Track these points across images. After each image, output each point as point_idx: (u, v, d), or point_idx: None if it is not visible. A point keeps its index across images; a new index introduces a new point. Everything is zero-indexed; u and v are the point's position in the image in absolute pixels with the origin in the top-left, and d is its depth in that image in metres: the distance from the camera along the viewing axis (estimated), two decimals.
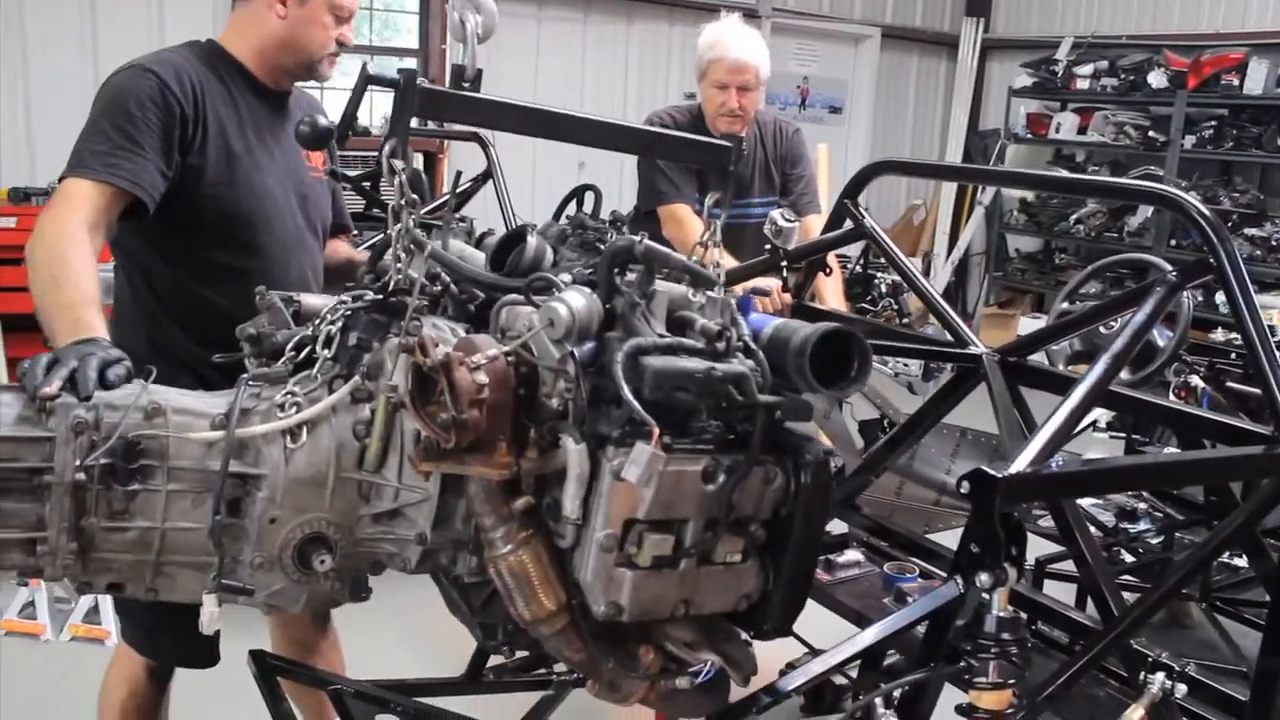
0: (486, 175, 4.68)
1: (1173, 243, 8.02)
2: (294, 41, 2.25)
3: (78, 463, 1.40)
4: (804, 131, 3.95)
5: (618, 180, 8.28)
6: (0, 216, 5.10)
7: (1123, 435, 3.56)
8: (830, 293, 3.32)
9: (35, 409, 1.42)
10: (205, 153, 2.16)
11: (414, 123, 1.58)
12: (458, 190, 4.70)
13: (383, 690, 2.09)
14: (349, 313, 1.61)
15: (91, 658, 3.50)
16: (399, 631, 3.73)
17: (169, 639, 2.33)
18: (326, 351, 1.58)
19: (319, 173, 2.44)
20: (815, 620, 2.27)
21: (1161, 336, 2.83)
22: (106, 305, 1.92)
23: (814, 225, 3.48)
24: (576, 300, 1.41)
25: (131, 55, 2.26)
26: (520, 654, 2.27)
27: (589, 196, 2.25)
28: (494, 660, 2.27)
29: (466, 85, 1.56)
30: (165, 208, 2.11)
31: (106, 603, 3.80)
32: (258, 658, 2.12)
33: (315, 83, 2.39)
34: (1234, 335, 3.87)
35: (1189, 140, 8.25)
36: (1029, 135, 9.43)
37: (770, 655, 1.87)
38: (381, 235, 1.61)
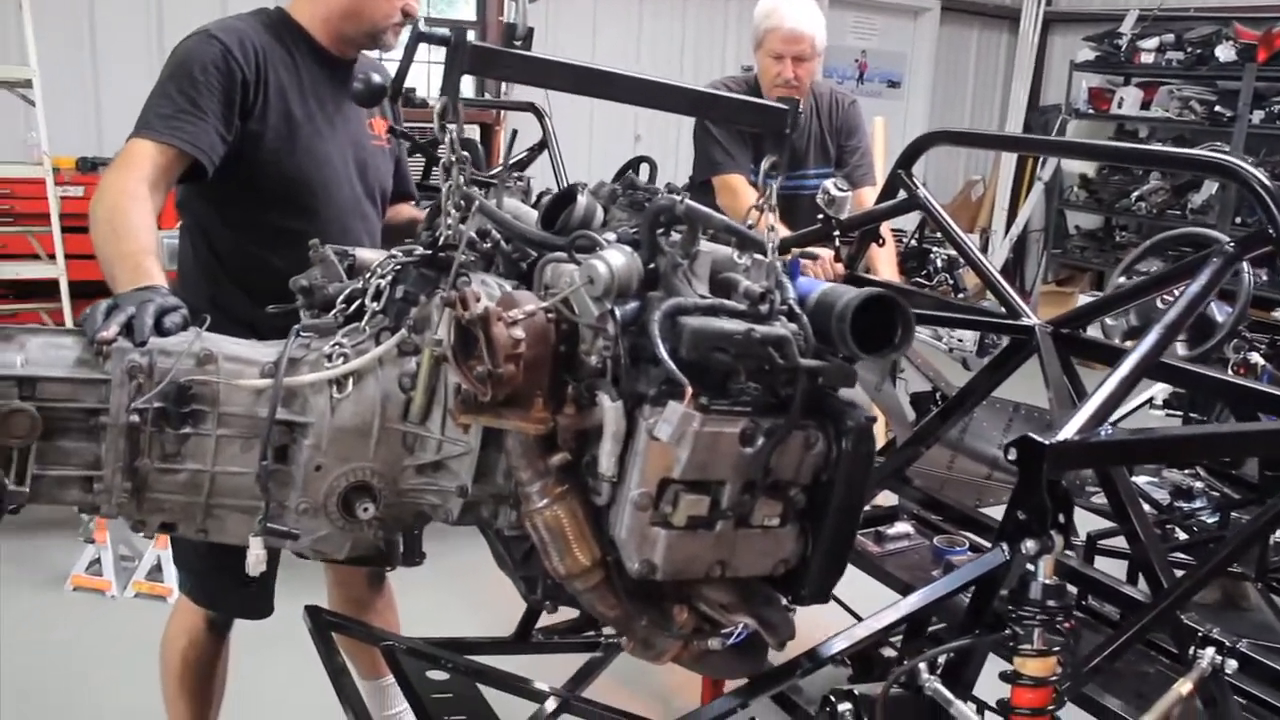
0: (542, 145, 4.71)
1: (1238, 220, 7.86)
2: (359, 10, 2.27)
3: (131, 405, 1.44)
4: (860, 104, 3.92)
5: (674, 153, 8.29)
6: (69, 185, 5.21)
7: (1179, 413, 3.51)
8: (883, 264, 3.31)
9: (93, 352, 1.46)
10: (266, 118, 2.20)
11: (470, 92, 1.59)
12: (512, 156, 4.73)
13: (433, 648, 2.13)
14: (399, 267, 1.62)
15: (154, 614, 3.57)
16: (452, 593, 3.79)
17: (224, 590, 2.40)
18: (375, 304, 1.60)
19: (381, 141, 2.47)
20: (865, 595, 2.29)
21: (1221, 313, 2.79)
22: (170, 270, 1.97)
23: (868, 197, 3.46)
24: (616, 258, 1.41)
25: (196, 25, 2.31)
26: (568, 617, 2.31)
27: (644, 168, 2.26)
28: (543, 621, 2.31)
29: (518, 43, 1.57)
30: (226, 171, 2.15)
31: (168, 561, 3.91)
32: (313, 613, 2.18)
33: (380, 52, 2.42)
34: None
35: (1257, 115, 8.07)
36: (1090, 110, 9.27)
37: (817, 625, 1.88)
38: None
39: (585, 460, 1.46)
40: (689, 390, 1.32)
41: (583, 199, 1.65)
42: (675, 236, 1.50)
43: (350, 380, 1.54)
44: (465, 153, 1.56)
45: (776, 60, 3.58)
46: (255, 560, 1.53)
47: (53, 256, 4.86)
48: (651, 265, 1.46)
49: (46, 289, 5.04)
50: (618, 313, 1.40)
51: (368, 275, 1.66)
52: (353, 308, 1.64)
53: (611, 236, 1.51)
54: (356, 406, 1.54)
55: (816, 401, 1.45)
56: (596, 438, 1.42)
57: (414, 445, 1.58)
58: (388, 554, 2.71)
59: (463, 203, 1.59)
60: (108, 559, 4.01)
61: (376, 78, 1.74)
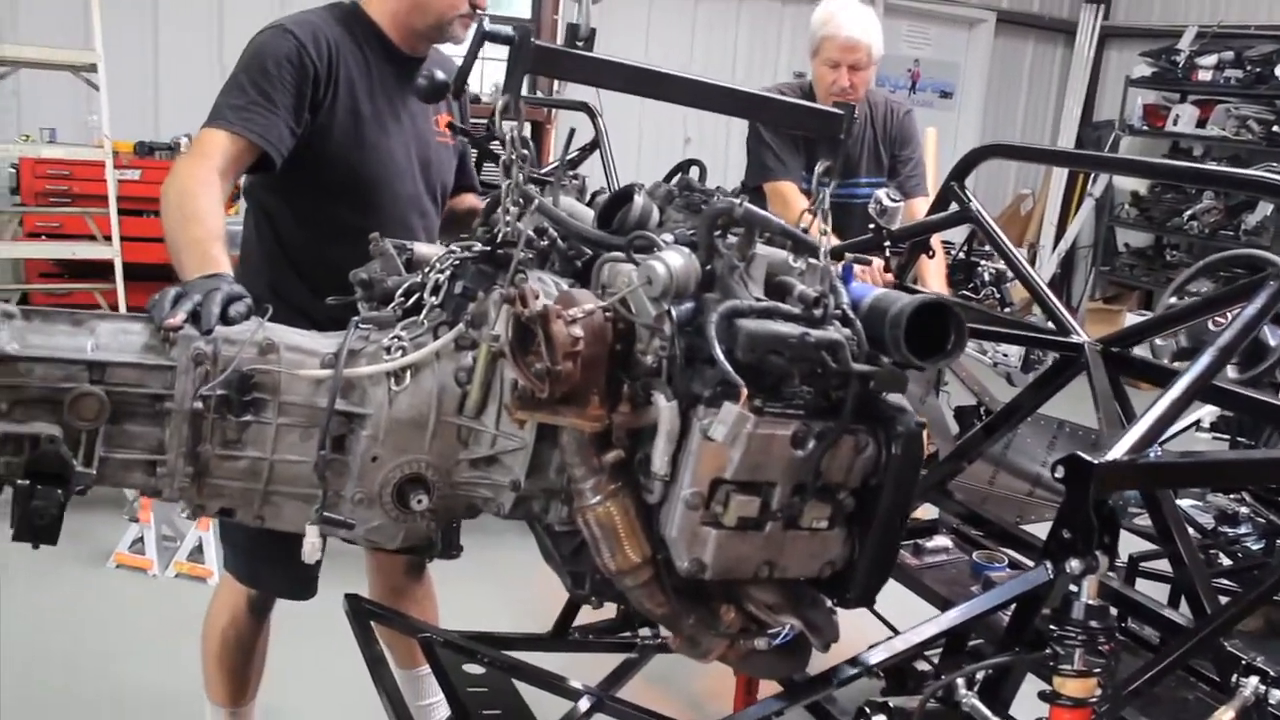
0: (594, 145, 4.71)
1: None
2: (425, 3, 2.30)
3: (196, 392, 1.47)
4: (916, 114, 3.91)
5: (723, 157, 8.27)
6: (126, 169, 5.29)
7: (1226, 437, 3.47)
8: (932, 275, 3.29)
9: (160, 339, 1.49)
10: (335, 113, 2.24)
11: (523, 90, 1.61)
12: (567, 155, 4.74)
13: (470, 641, 2.15)
14: (457, 262, 1.64)
15: (194, 594, 3.65)
16: (491, 587, 3.81)
17: (268, 569, 2.44)
18: (434, 299, 1.63)
19: (446, 138, 2.50)
20: (904, 609, 2.28)
21: (1274, 336, 2.75)
22: (232, 254, 2.01)
23: (920, 208, 3.45)
24: (675, 260, 1.42)
25: (255, 19, 2.36)
26: (606, 617, 2.32)
27: (694, 171, 2.26)
28: (580, 620, 2.32)
29: (580, 44, 1.59)
30: (293, 163, 2.19)
31: (210, 543, 3.97)
32: (353, 602, 2.21)
33: (451, 45, 2.43)
34: None
35: None
36: (1145, 127, 9.14)
37: (853, 639, 1.88)
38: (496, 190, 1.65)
39: (638, 458, 1.48)
40: (744, 392, 1.33)
41: (639, 199, 1.66)
42: (731, 239, 1.51)
43: (408, 373, 1.56)
44: (525, 151, 1.57)
45: (833, 68, 3.59)
46: (311, 549, 1.56)
47: (109, 238, 4.94)
48: (708, 267, 1.47)
49: (100, 270, 5.12)
50: (674, 313, 1.41)
51: (426, 270, 1.68)
52: (411, 301, 1.66)
53: (669, 237, 1.52)
54: (413, 399, 1.56)
55: (867, 406, 1.46)
56: (650, 436, 1.43)
57: (469, 439, 1.60)
58: (428, 543, 2.74)
59: (521, 200, 1.61)
60: (150, 538, 4.07)
61: (440, 74, 1.76)
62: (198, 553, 4.04)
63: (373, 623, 2.19)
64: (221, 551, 2.73)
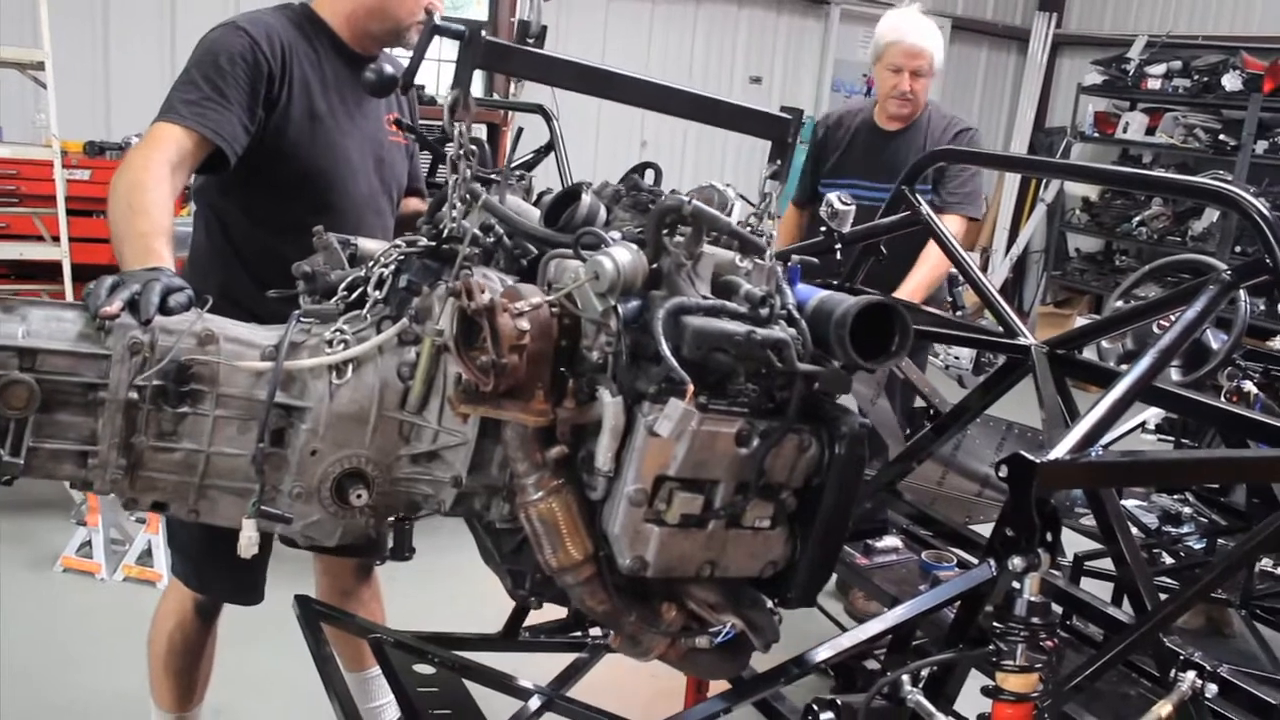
0: (549, 148, 4.72)
1: (1238, 249, 7.89)
2: (384, 7, 2.30)
3: (131, 381, 1.45)
4: (979, 137, 4.12)
5: (679, 160, 8.31)
6: (75, 169, 5.22)
7: (1171, 438, 3.53)
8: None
9: (95, 327, 1.46)
10: (289, 112, 2.23)
11: (479, 92, 1.60)
12: (519, 156, 4.74)
13: (421, 642, 2.14)
14: (402, 257, 1.64)
15: (143, 598, 3.61)
16: (441, 590, 3.79)
17: (215, 574, 2.42)
18: (377, 293, 1.62)
19: (399, 138, 2.50)
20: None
21: (1216, 340, 2.80)
22: (180, 257, 1.98)
23: (951, 224, 3.60)
24: (623, 255, 1.42)
25: (208, 18, 2.35)
26: (556, 618, 2.32)
27: (649, 174, 2.27)
28: (530, 620, 2.32)
29: (531, 41, 1.58)
30: (247, 161, 2.18)
31: (159, 546, 3.92)
32: (303, 603, 2.20)
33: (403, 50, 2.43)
34: None
35: (1261, 145, 8.10)
36: (1096, 134, 9.30)
37: (802, 635, 1.89)
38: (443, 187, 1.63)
39: (581, 455, 1.48)
40: (690, 388, 1.34)
41: (587, 198, 1.66)
42: (679, 238, 1.51)
43: (350, 367, 1.55)
44: (473, 147, 1.57)
45: (895, 73, 3.81)
46: (248, 542, 1.53)
47: (57, 239, 4.86)
48: (655, 265, 1.47)
49: (48, 271, 5.05)
50: (621, 310, 1.41)
51: (370, 264, 1.67)
52: (355, 295, 1.64)
53: (616, 235, 1.52)
54: (355, 393, 1.54)
55: (812, 406, 1.47)
56: (594, 433, 1.43)
57: (410, 434, 1.59)
58: (376, 545, 2.72)
59: (468, 195, 1.60)
60: (98, 542, 4.02)
61: (389, 68, 1.74)
62: (147, 556, 4.00)
63: (322, 624, 2.17)
64: (169, 555, 2.71)
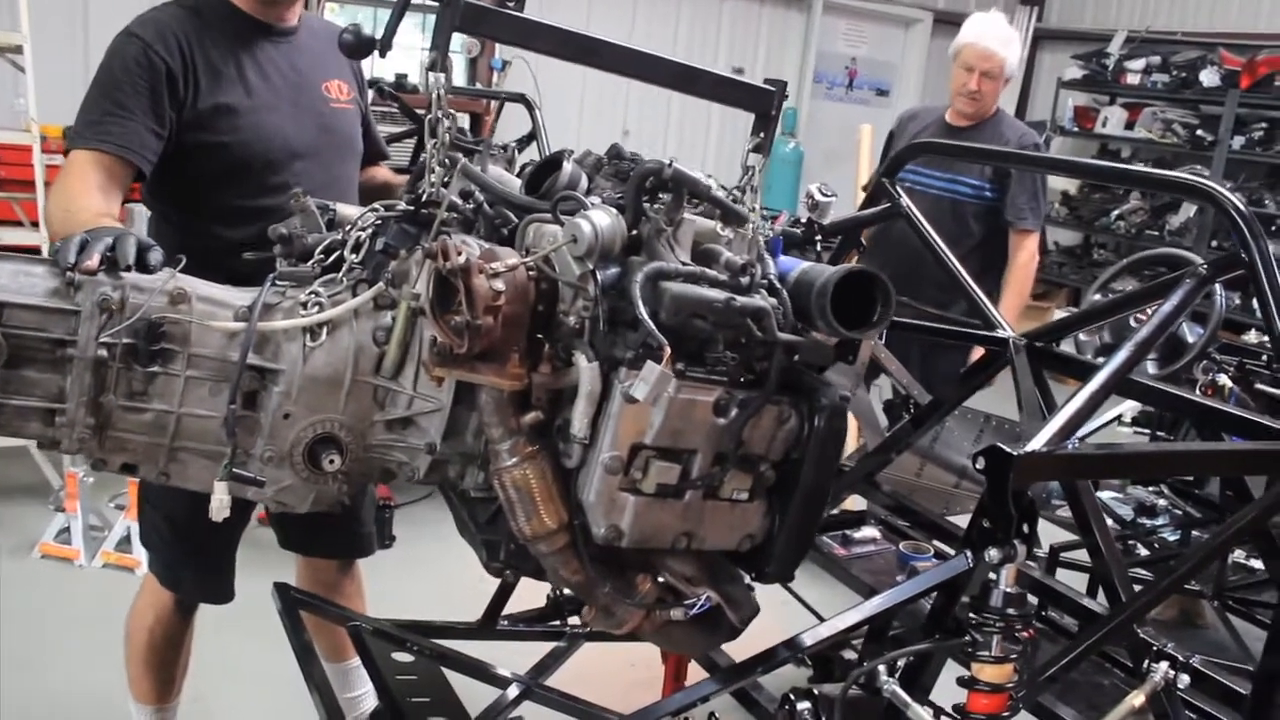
0: (531, 137, 4.71)
1: (1214, 243, 7.94)
2: None
3: (99, 338, 1.42)
4: (1044, 149, 4.27)
5: (661, 147, 8.29)
6: (55, 154, 5.17)
7: (1147, 431, 3.56)
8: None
9: (64, 283, 1.43)
10: (201, 105, 2.15)
11: (461, 81, 1.57)
12: (500, 138, 4.72)
13: (399, 630, 2.14)
14: (380, 221, 1.62)
15: (122, 585, 3.59)
16: (420, 580, 3.79)
17: (188, 574, 2.42)
18: (354, 256, 1.60)
19: (342, 103, 2.40)
20: (829, 598, 2.32)
21: (1192, 333, 2.83)
22: None
23: (1015, 240, 4.03)
24: (601, 219, 1.41)
25: None
26: (535, 606, 2.33)
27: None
28: (509, 609, 2.33)
29: (511, 4, 1.55)
30: (174, 162, 2.13)
31: (137, 532, 3.90)
32: (282, 590, 2.19)
33: (315, 4, 2.34)
34: (1266, 337, 3.85)
35: (1238, 141, 8.16)
36: (1075, 128, 9.35)
37: (780, 624, 1.90)
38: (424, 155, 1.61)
39: (557, 424, 1.47)
40: (668, 351, 1.32)
41: (568, 165, 1.65)
42: (659, 205, 1.50)
43: (324, 329, 1.53)
44: (451, 111, 1.54)
45: (967, 71, 3.99)
46: (219, 505, 1.51)
47: (35, 224, 4.82)
48: (635, 231, 1.45)
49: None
50: (599, 274, 1.40)
51: (348, 228, 1.65)
52: (331, 259, 1.63)
53: (596, 200, 1.51)
54: (329, 357, 1.53)
55: (792, 378, 1.47)
56: (570, 400, 1.42)
57: (384, 400, 1.57)
58: (364, 542, 2.70)
59: (446, 160, 1.58)
60: (77, 528, 3.99)
61: (366, 30, 1.70)
62: (125, 543, 3.98)
63: (301, 614, 2.17)
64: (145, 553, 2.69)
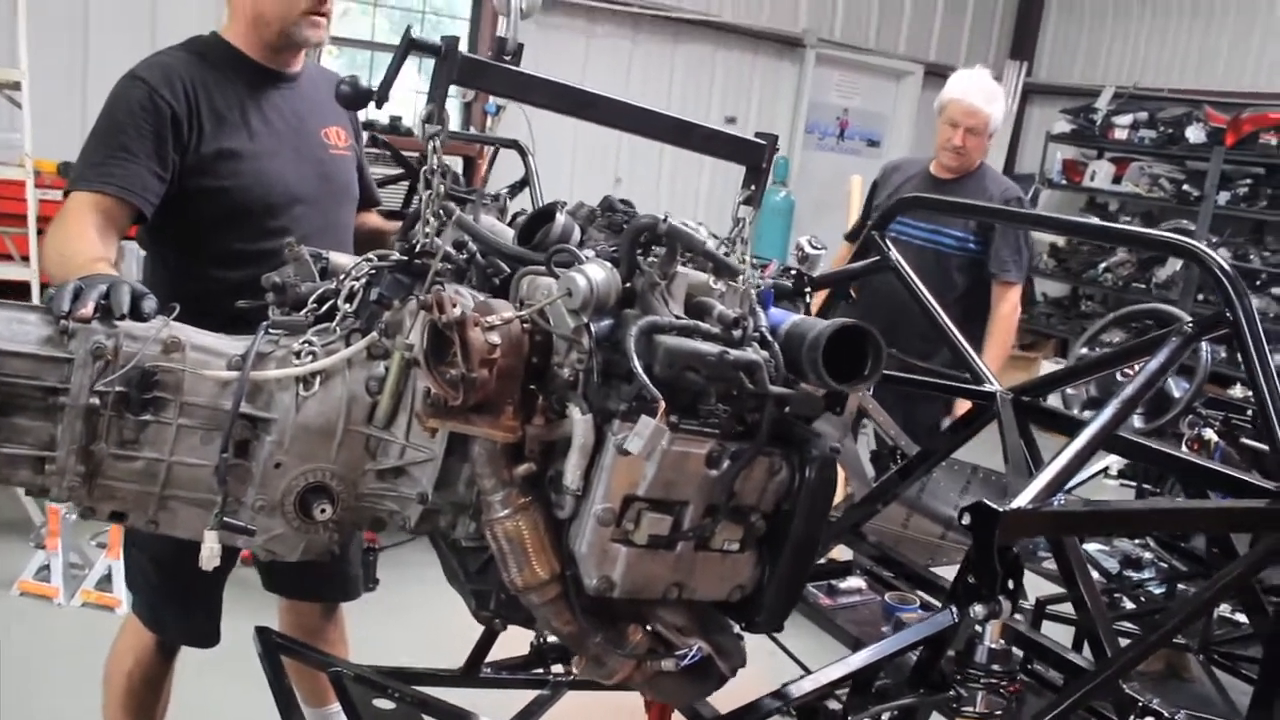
0: (523, 183, 4.73)
1: (1200, 297, 8.01)
2: (261, 12, 2.24)
3: (92, 386, 1.42)
4: (1026, 205, 4.39)
5: (654, 196, 8.34)
6: (49, 189, 5.19)
7: (1133, 484, 3.57)
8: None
9: (58, 330, 1.44)
10: (205, 149, 2.17)
11: (456, 125, 1.59)
12: (493, 185, 4.75)
13: (381, 676, 2.13)
14: (374, 270, 1.62)
15: (101, 624, 3.56)
16: (403, 626, 3.76)
17: (172, 617, 2.40)
18: (348, 306, 1.60)
19: (340, 150, 2.42)
20: (814, 648, 2.31)
21: (1178, 388, 2.84)
22: None
23: (997, 292, 4.05)
24: (596, 273, 1.42)
25: (190, 34, 2.31)
26: (519, 654, 2.31)
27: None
28: (492, 656, 2.31)
29: (507, 58, 1.57)
30: (174, 205, 2.14)
31: (119, 571, 3.87)
32: (263, 634, 2.17)
33: (312, 51, 2.35)
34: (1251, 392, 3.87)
35: (1223, 196, 8.25)
36: (1064, 182, 9.45)
37: (765, 676, 1.90)
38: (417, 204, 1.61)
39: (550, 474, 1.47)
40: (663, 405, 1.34)
41: (561, 217, 1.66)
42: (653, 258, 1.51)
43: (317, 379, 1.53)
44: (447, 164, 1.56)
45: (951, 126, 4.05)
46: (209, 555, 1.50)
47: (26, 259, 4.83)
48: (629, 284, 1.47)
49: (17, 291, 5.00)
50: (593, 327, 1.41)
51: (342, 277, 1.65)
52: (324, 308, 1.63)
53: (590, 253, 1.52)
54: (321, 406, 1.53)
55: (783, 430, 1.48)
56: (563, 451, 1.43)
57: (376, 450, 1.57)
58: (350, 585, 2.67)
59: (441, 212, 1.59)
60: (57, 566, 3.96)
61: (363, 82, 1.72)
62: (106, 581, 3.95)
63: (282, 658, 2.15)
64: (128, 591, 2.67)
